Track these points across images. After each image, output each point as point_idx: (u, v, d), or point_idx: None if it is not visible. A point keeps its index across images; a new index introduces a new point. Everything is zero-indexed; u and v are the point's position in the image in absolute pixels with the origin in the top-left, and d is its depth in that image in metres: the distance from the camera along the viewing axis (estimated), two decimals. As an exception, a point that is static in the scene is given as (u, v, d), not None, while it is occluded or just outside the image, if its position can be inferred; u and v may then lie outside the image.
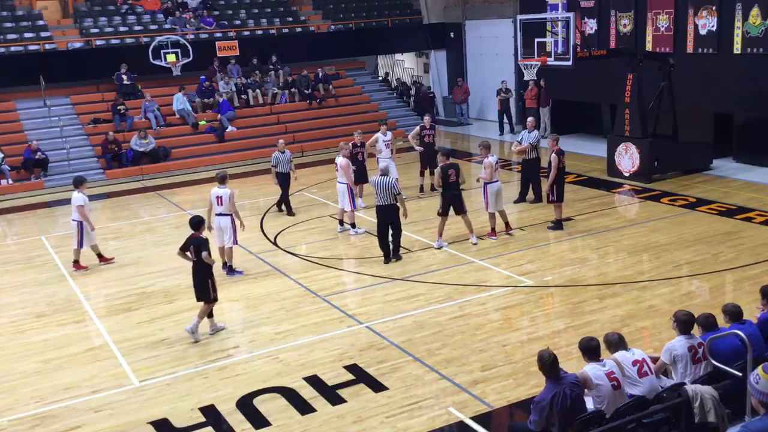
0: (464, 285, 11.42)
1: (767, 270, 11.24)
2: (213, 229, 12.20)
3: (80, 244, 13.21)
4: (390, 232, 12.71)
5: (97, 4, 25.44)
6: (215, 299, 10.09)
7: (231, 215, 12.31)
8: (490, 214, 13.47)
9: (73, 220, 13.15)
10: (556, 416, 6.20)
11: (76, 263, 13.32)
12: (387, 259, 12.70)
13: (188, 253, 9.95)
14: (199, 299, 10.07)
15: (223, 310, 10.75)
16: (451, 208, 13.06)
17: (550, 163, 13.60)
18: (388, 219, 12.61)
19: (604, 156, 18.12)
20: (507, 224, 13.71)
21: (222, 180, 12.38)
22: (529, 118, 16.13)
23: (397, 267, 12.51)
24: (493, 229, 13.52)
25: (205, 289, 9.94)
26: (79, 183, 13.25)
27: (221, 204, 12.25)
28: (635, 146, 17.01)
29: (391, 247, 12.75)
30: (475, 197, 14.67)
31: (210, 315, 10.17)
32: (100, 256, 13.59)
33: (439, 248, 13.13)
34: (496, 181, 13.28)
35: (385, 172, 12.67)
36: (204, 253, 9.75)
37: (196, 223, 10.13)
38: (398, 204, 12.62)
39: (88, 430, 8.01)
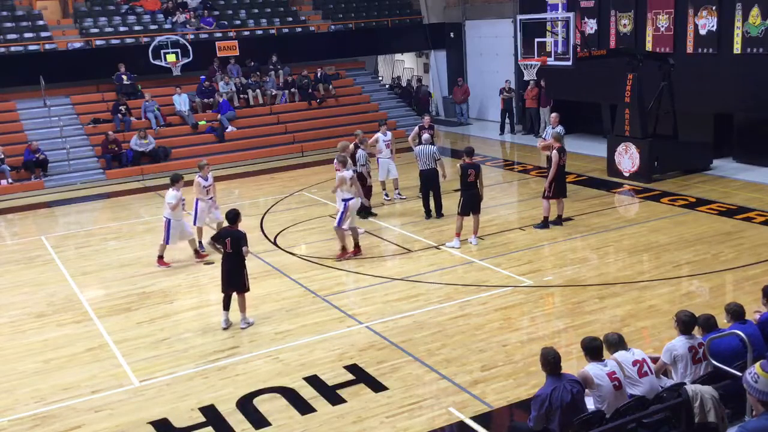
0: (464, 285, 11.42)
1: (767, 270, 11.25)
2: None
3: (167, 240, 12.95)
4: (432, 194, 14.76)
5: (97, 4, 25.43)
6: (248, 289, 10.38)
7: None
8: (342, 230, 12.84)
9: (164, 216, 12.97)
10: (555, 411, 6.21)
11: (160, 258, 13.14)
12: (428, 216, 14.83)
13: (218, 245, 10.27)
14: (232, 289, 10.28)
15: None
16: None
17: (550, 159, 13.67)
18: (430, 181, 14.56)
19: (604, 156, 18.11)
20: (357, 245, 13.05)
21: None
22: (553, 114, 16.27)
23: (397, 267, 12.53)
24: (343, 248, 12.93)
25: (241, 279, 10.26)
26: (174, 180, 12.97)
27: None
28: (635, 146, 17.01)
29: (433, 207, 14.83)
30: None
31: (243, 309, 10.37)
32: (196, 252, 13.38)
33: (456, 248, 13.08)
34: (352, 198, 12.77)
35: (428, 142, 14.60)
36: (244, 248, 10.15)
37: (233, 216, 10.33)
38: (438, 168, 14.47)
39: (88, 430, 8.01)
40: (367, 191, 15.07)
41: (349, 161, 13.82)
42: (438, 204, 14.88)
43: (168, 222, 12.87)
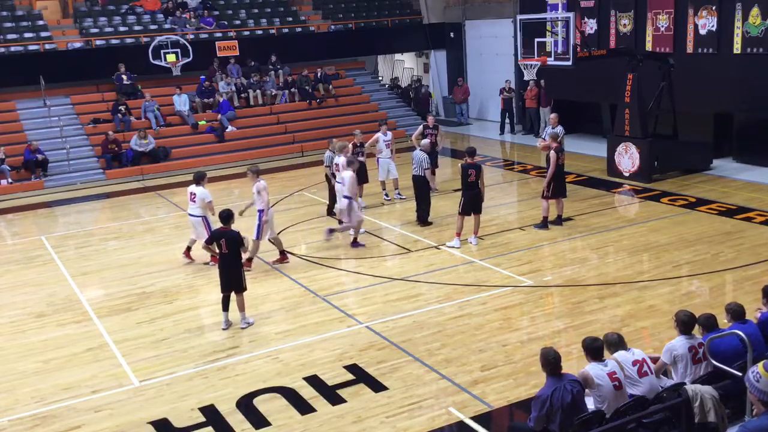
0: (464, 285, 11.42)
1: (767, 270, 11.25)
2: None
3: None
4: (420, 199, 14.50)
5: (97, 4, 25.43)
6: (245, 288, 10.38)
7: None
8: (270, 240, 12.79)
9: (197, 215, 12.67)
10: (556, 412, 6.21)
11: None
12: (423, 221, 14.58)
13: (213, 246, 10.28)
14: (231, 290, 10.28)
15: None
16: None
17: (548, 159, 13.70)
18: (418, 187, 14.36)
19: (604, 156, 18.11)
20: (282, 252, 12.97)
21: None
22: (552, 114, 16.28)
23: (397, 267, 12.53)
24: (282, 252, 12.91)
25: (238, 279, 10.26)
26: (201, 177, 12.71)
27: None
28: (635, 146, 17.01)
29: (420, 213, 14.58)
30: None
31: (242, 308, 10.36)
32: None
33: (456, 247, 13.06)
34: (270, 207, 12.67)
35: (423, 147, 14.36)
36: (242, 248, 10.23)
37: (226, 216, 10.29)
38: (426, 176, 14.15)
39: (88, 430, 8.01)
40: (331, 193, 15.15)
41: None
42: (423, 212, 14.54)
43: (205, 219, 12.65)
